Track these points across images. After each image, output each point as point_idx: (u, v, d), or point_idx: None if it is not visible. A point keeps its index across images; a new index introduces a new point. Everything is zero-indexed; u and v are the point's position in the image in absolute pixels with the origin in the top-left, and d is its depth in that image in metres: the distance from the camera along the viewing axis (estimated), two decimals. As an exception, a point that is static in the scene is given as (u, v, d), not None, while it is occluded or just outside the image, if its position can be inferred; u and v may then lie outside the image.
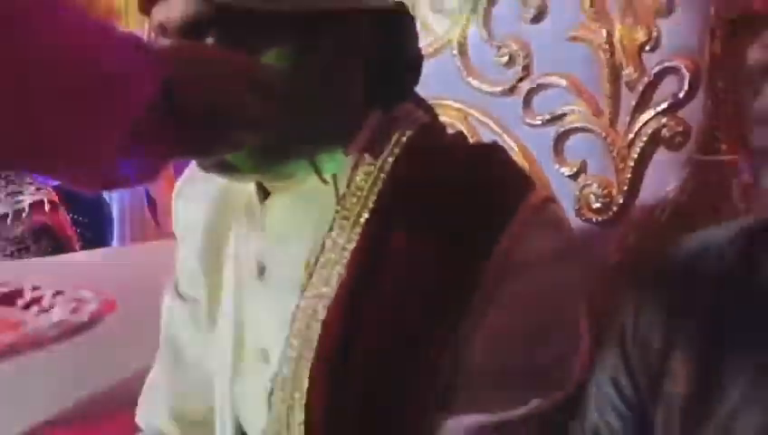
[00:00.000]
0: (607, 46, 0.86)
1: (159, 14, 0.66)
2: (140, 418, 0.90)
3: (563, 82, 0.89)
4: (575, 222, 0.86)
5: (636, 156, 0.85)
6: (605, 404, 0.54)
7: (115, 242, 1.55)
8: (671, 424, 0.49)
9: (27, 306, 0.53)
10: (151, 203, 1.57)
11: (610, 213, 0.87)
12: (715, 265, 0.51)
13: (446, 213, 0.67)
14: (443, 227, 0.67)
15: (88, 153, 0.50)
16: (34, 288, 0.54)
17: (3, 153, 0.50)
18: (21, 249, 1.28)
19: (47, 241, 1.30)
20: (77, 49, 0.48)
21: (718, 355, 0.48)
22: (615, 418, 0.53)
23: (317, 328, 0.67)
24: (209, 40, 0.65)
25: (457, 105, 0.96)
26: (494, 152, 0.74)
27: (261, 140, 0.64)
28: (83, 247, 1.40)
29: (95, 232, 1.50)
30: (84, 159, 0.51)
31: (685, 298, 0.51)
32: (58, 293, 0.52)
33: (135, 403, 0.91)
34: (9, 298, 0.55)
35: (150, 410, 0.89)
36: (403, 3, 0.74)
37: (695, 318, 0.50)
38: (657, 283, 0.54)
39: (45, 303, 0.52)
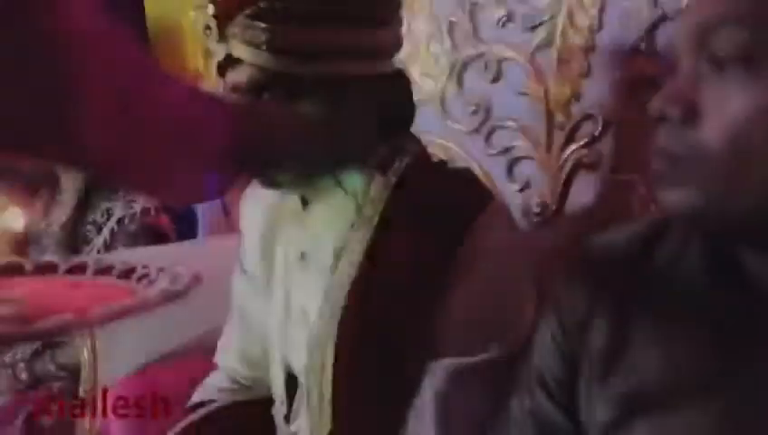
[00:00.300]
0: (544, 99, 0.85)
1: (231, 77, 0.66)
2: (218, 358, 0.90)
3: (513, 125, 0.89)
4: (521, 222, 0.86)
5: (564, 176, 0.85)
6: (545, 350, 0.53)
7: (199, 235, 1.55)
8: (592, 365, 0.48)
9: (139, 279, 0.52)
10: (225, 207, 1.56)
11: (546, 216, 0.87)
12: (622, 252, 0.50)
13: (431, 216, 0.66)
14: (430, 226, 0.66)
15: (184, 178, 0.51)
16: (144, 267, 0.53)
17: (126, 181, 0.50)
18: (134, 242, 1.27)
19: (152, 236, 1.29)
20: (181, 109, 0.49)
21: (626, 315, 0.47)
22: (551, 359, 0.53)
23: (343, 298, 0.67)
24: (266, 96, 0.64)
25: (439, 140, 0.95)
26: (466, 174, 0.74)
27: (300, 166, 0.64)
28: (177, 239, 1.39)
29: (185, 228, 1.50)
30: (181, 182, 0.51)
31: (601, 276, 0.51)
32: (161, 270, 0.51)
33: (214, 348, 0.91)
34: (126, 274, 0.54)
35: (225, 353, 0.89)
36: (403, 69, 0.74)
37: (608, 290, 0.49)
38: (582, 265, 0.53)
39: (152, 277, 0.51)
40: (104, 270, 0.56)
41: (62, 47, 0.39)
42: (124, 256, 1.18)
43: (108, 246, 1.27)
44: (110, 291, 0.51)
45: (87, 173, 1.22)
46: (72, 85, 0.40)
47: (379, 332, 0.65)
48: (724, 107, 0.38)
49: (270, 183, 0.69)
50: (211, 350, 0.91)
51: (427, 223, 0.66)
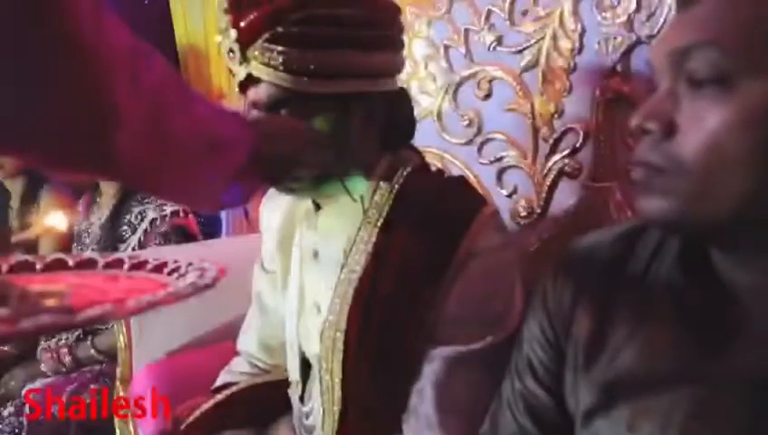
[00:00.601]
0: (530, 114, 0.84)
1: (251, 95, 0.64)
2: (239, 345, 0.89)
3: (503, 137, 0.88)
4: (510, 224, 0.85)
5: (549, 183, 0.84)
6: (534, 341, 0.52)
7: (223, 235, 1.54)
8: (577, 355, 0.47)
9: (170, 273, 0.50)
10: (246, 210, 1.55)
11: (532, 219, 0.86)
12: (605, 253, 0.49)
13: (430, 219, 0.65)
14: (428, 228, 0.65)
15: (208, 189, 0.49)
16: (175, 262, 0.51)
17: (156, 191, 0.49)
18: (165, 241, 1.26)
19: (181, 235, 1.28)
20: (209, 125, 0.47)
21: (608, 310, 0.46)
22: (539, 348, 0.52)
23: (351, 291, 0.66)
24: (283, 112, 0.63)
25: (436, 151, 0.94)
26: (461, 181, 0.72)
27: (313, 175, 0.63)
28: (204, 238, 1.38)
29: (211, 229, 1.49)
30: (206, 192, 0.50)
31: (585, 273, 0.49)
32: (190, 264, 0.49)
33: (236, 335, 0.90)
34: (158, 268, 0.52)
35: (245, 340, 0.88)
36: (404, 88, 0.73)
37: (592, 286, 0.48)
38: (568, 263, 0.52)
39: (182, 271, 0.49)
40: (138, 265, 0.54)
41: (95, 63, 0.37)
42: (156, 252, 1.17)
43: (141, 245, 1.27)
44: (143, 284, 0.50)
45: (120, 183, 1.21)
46: (105, 101, 0.38)
47: (383, 323, 0.64)
48: (700, 123, 0.37)
49: (286, 190, 0.68)
50: (234, 335, 0.90)
51: (427, 225, 0.65)
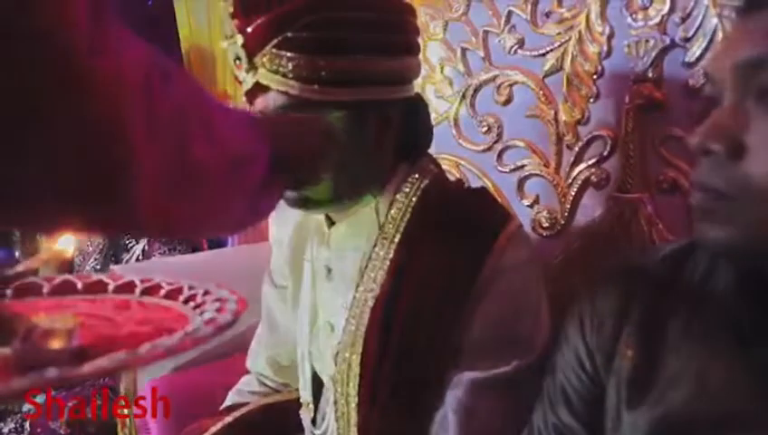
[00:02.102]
0: (554, 121, 0.81)
1: (259, 104, 0.61)
2: (248, 363, 0.86)
3: (523, 144, 0.85)
4: (531, 235, 0.82)
5: (573, 193, 0.80)
6: (569, 369, 0.49)
7: (230, 243, 1.51)
8: (620, 390, 0.44)
9: (186, 301, 0.46)
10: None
11: (555, 230, 0.83)
12: (651, 275, 0.46)
13: (452, 234, 0.62)
14: (450, 244, 0.62)
15: (232, 213, 0.45)
16: (190, 288, 0.48)
17: (181, 233, 0.44)
18: (171, 249, 1.24)
19: (187, 244, 1.26)
20: (228, 143, 0.42)
21: (656, 340, 0.43)
22: (576, 379, 0.48)
23: (368, 311, 0.63)
24: None
25: (453, 158, 0.91)
26: (484, 193, 0.69)
27: (330, 184, 0.60)
28: (210, 248, 1.36)
29: (217, 237, 1.47)
30: (230, 217, 0.46)
31: (628, 299, 0.46)
32: (207, 292, 0.45)
33: (246, 351, 0.87)
34: (173, 294, 0.48)
35: (255, 358, 0.86)
36: (420, 93, 0.70)
37: (637, 312, 0.45)
38: (607, 286, 0.49)
39: (198, 299, 0.45)
40: (151, 290, 0.51)
41: (98, 89, 0.29)
42: (162, 263, 1.15)
43: (146, 254, 1.25)
44: (158, 312, 0.46)
45: (133, 236, 1.13)
46: (115, 142, 0.30)
47: (402, 345, 0.61)
48: None
49: (297, 203, 0.66)
50: (243, 351, 0.88)
51: (448, 241, 0.62)
